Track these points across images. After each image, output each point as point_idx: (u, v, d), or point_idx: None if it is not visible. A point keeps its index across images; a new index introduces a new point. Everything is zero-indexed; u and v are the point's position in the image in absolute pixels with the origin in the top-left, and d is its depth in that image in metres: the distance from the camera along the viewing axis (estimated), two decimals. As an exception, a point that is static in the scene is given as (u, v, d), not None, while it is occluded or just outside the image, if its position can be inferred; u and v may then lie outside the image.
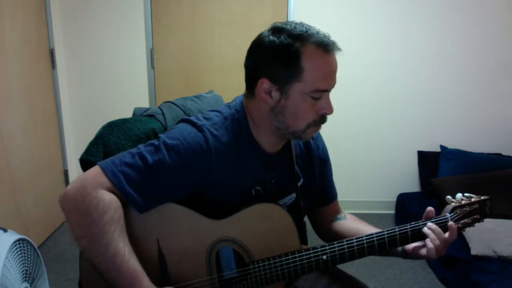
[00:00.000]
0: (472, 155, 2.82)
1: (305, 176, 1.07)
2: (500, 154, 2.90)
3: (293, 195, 1.05)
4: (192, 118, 0.95)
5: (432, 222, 0.95)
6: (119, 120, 1.13)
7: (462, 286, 1.97)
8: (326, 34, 0.89)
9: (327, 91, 0.89)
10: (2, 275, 1.25)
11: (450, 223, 0.93)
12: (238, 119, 0.96)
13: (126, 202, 0.85)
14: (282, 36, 0.87)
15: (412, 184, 3.05)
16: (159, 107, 1.24)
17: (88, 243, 0.81)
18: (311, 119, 0.90)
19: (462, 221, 0.97)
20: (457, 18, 2.81)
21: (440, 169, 2.84)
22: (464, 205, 0.98)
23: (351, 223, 1.11)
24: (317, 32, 0.88)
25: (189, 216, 0.90)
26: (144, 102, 2.89)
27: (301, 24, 0.90)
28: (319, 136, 1.13)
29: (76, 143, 2.93)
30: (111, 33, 2.80)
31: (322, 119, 0.92)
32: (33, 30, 2.46)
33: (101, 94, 2.89)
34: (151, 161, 0.85)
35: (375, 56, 2.86)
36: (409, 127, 2.99)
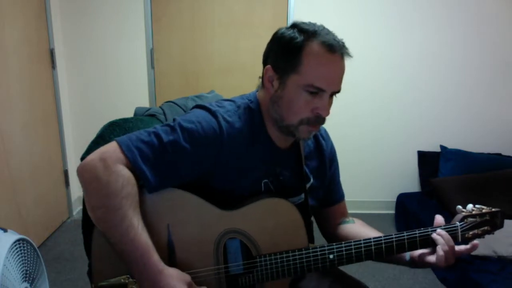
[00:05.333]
0: (472, 155, 2.82)
1: (316, 176, 1.07)
2: (500, 154, 2.90)
3: (302, 195, 1.04)
4: (206, 104, 0.97)
5: (441, 228, 0.95)
6: (120, 119, 1.13)
7: (462, 286, 1.97)
8: (339, 39, 0.92)
9: (324, 91, 0.89)
10: (2, 275, 1.25)
11: (475, 242, 0.93)
12: (251, 108, 0.98)
13: (138, 178, 0.86)
14: (292, 30, 0.91)
15: (412, 184, 3.05)
16: (160, 107, 1.24)
17: (105, 213, 0.82)
18: (304, 115, 0.90)
19: (472, 232, 0.97)
20: (457, 18, 2.81)
21: (440, 169, 2.84)
22: (475, 215, 0.97)
23: (358, 228, 1.11)
24: (328, 34, 0.90)
25: (200, 205, 0.91)
26: (144, 102, 2.89)
27: (320, 25, 0.92)
28: (328, 136, 1.14)
29: (76, 143, 2.93)
30: (111, 33, 2.80)
31: (317, 119, 0.91)
32: (33, 30, 2.46)
33: (101, 94, 2.89)
34: (166, 140, 0.87)
35: (375, 56, 2.86)
36: (409, 127, 2.99)
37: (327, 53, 0.88)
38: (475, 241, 0.93)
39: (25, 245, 1.41)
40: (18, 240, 1.38)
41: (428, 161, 2.94)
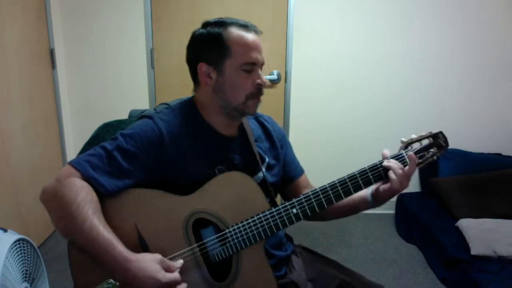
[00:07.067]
0: (472, 155, 2.82)
1: (270, 155, 1.16)
2: (500, 154, 2.90)
3: (260, 174, 1.11)
4: (145, 114, 1.09)
5: (388, 158, 1.04)
6: (115, 121, 1.15)
7: (462, 286, 1.97)
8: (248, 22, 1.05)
9: (255, 64, 1.01)
10: (2, 275, 1.25)
11: (410, 153, 1.02)
12: (187, 108, 1.08)
13: (95, 186, 0.93)
14: (207, 28, 1.04)
15: (412, 184, 3.04)
16: (154, 109, 1.25)
17: (67, 222, 0.89)
18: (248, 91, 1.02)
19: (419, 155, 1.05)
20: (457, 18, 2.81)
21: (440, 169, 2.84)
22: (417, 140, 1.05)
23: None
24: (237, 20, 1.04)
25: (160, 196, 0.97)
26: (144, 102, 2.89)
27: (226, 17, 1.05)
28: (273, 121, 1.24)
29: (76, 143, 2.93)
30: (111, 33, 2.80)
31: (259, 91, 1.03)
32: (33, 30, 2.46)
33: (101, 94, 2.89)
34: (110, 148, 0.96)
35: (375, 57, 2.86)
36: (409, 127, 2.99)
37: (245, 32, 1.01)
38: (410, 153, 1.02)
39: (25, 245, 1.42)
40: (18, 240, 1.38)
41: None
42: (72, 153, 2.90)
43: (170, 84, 2.90)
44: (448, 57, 2.87)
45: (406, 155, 1.03)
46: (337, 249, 2.52)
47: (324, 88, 2.90)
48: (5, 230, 1.39)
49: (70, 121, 2.91)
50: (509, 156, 2.87)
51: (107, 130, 1.11)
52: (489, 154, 2.89)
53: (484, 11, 2.79)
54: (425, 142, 1.06)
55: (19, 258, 1.37)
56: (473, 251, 2.01)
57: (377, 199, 1.05)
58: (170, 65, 2.87)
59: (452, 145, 3.33)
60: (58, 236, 2.62)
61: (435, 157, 1.06)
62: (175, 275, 0.89)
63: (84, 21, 2.77)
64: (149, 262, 0.87)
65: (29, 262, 1.43)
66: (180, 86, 2.89)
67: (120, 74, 2.87)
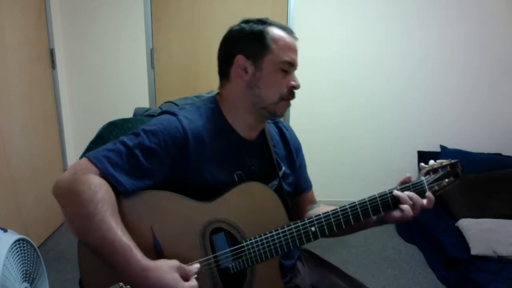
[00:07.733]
0: (472, 155, 2.82)
1: (285, 164, 1.14)
2: (500, 154, 2.90)
3: (275, 181, 1.09)
4: (167, 109, 1.05)
5: (409, 185, 1.02)
6: (119, 120, 1.14)
7: (462, 286, 1.97)
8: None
9: (293, 65, 1.01)
10: (2, 275, 1.25)
11: (428, 193, 1.01)
12: (211, 107, 1.04)
13: (112, 184, 0.88)
14: (247, 24, 1.03)
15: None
16: (159, 107, 1.24)
17: (82, 222, 0.84)
18: (283, 91, 1.00)
19: (437, 183, 1.04)
20: (457, 18, 2.81)
21: (440, 169, 2.84)
22: (437, 169, 1.06)
23: (323, 209, 1.14)
24: (278, 23, 1.04)
25: (178, 201, 0.94)
26: (144, 102, 2.89)
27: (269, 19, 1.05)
28: (290, 128, 1.22)
29: (76, 143, 2.93)
30: (111, 33, 2.80)
31: (291, 93, 1.02)
32: (33, 30, 2.46)
33: (101, 94, 2.89)
34: (131, 144, 0.91)
35: (375, 57, 2.86)
36: (409, 127, 2.99)
37: (286, 33, 1.01)
38: (428, 193, 1.01)
39: (25, 245, 1.42)
40: (18, 240, 1.38)
41: (428, 161, 2.94)
42: (72, 153, 2.90)
43: (170, 84, 2.90)
44: (448, 57, 2.87)
45: (427, 182, 1.03)
46: (337, 249, 2.52)
47: (324, 88, 2.90)
48: (5, 230, 1.39)
49: (70, 121, 2.91)
50: (509, 156, 2.87)
51: (111, 129, 1.09)
52: (489, 154, 2.89)
53: (484, 11, 2.79)
54: (443, 170, 1.06)
55: (19, 258, 1.37)
56: (473, 251, 2.01)
57: (383, 221, 1.04)
58: (170, 65, 2.87)
59: (452, 145, 3.34)
60: (58, 236, 2.62)
61: (450, 186, 1.06)
62: (194, 283, 0.86)
63: (84, 21, 2.77)
64: (167, 272, 0.84)
65: (29, 262, 1.43)
66: (180, 86, 2.90)
67: (120, 74, 2.87)
